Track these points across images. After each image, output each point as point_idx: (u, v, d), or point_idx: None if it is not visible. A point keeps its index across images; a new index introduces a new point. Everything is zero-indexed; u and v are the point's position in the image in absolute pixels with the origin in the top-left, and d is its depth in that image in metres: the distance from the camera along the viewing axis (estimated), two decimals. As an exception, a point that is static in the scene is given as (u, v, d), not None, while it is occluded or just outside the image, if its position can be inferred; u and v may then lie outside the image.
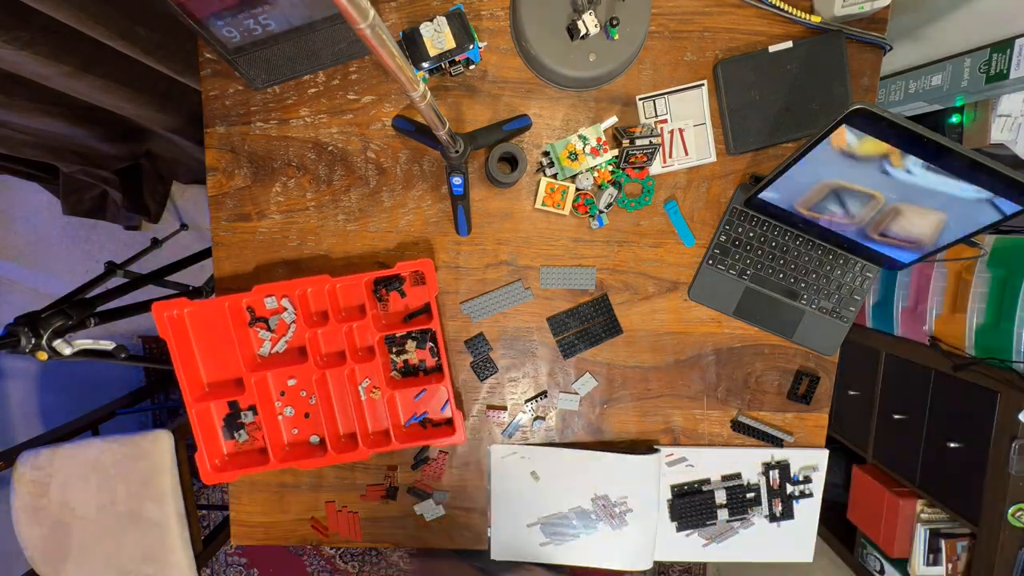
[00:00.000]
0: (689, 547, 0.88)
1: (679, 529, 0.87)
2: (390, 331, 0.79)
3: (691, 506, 0.86)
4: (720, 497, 0.86)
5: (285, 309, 0.81)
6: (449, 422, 0.82)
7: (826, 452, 0.87)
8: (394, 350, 0.83)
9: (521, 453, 0.85)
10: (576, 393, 0.85)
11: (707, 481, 0.86)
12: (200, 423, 0.79)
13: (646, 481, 0.84)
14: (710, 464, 0.86)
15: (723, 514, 0.86)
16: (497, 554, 0.86)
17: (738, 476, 0.86)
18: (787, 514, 0.86)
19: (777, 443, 0.86)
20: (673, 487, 0.86)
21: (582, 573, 0.95)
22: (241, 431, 0.83)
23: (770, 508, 0.86)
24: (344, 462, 0.81)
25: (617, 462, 0.84)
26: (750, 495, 0.86)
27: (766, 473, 0.86)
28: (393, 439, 0.80)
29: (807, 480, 0.86)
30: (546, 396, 0.86)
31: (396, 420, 0.82)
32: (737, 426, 0.86)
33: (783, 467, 0.86)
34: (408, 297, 0.82)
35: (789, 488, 0.86)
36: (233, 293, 0.78)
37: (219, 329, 0.79)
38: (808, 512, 0.87)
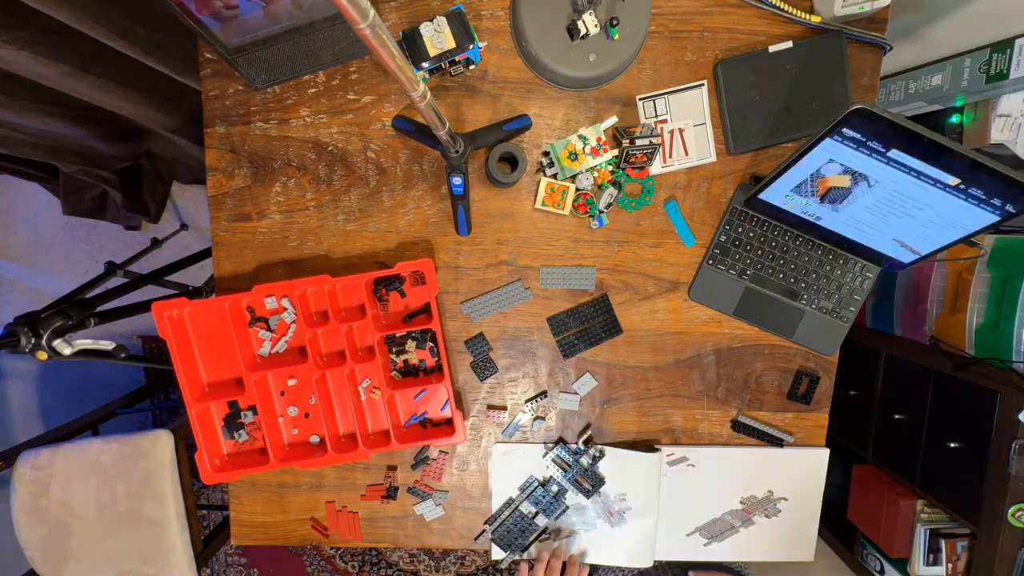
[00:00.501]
0: (690, 546, 0.88)
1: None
2: (390, 331, 0.79)
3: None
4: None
5: (285, 309, 0.81)
6: (449, 422, 0.82)
7: (826, 452, 0.87)
8: (394, 350, 0.83)
9: (522, 451, 0.85)
10: (576, 393, 0.85)
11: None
12: (200, 423, 0.79)
13: (647, 480, 0.84)
14: (711, 464, 0.86)
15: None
16: (498, 553, 0.86)
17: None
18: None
19: (777, 443, 0.86)
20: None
21: None
22: (241, 431, 0.83)
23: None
24: (344, 462, 0.81)
25: (617, 459, 0.83)
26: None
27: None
28: (393, 439, 0.80)
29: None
30: (546, 396, 0.86)
31: (396, 420, 0.82)
32: (737, 426, 0.86)
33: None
34: (408, 297, 0.82)
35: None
36: (233, 293, 0.78)
37: (219, 329, 0.79)
38: (808, 512, 0.87)
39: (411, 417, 0.84)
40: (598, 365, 0.86)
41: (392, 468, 0.87)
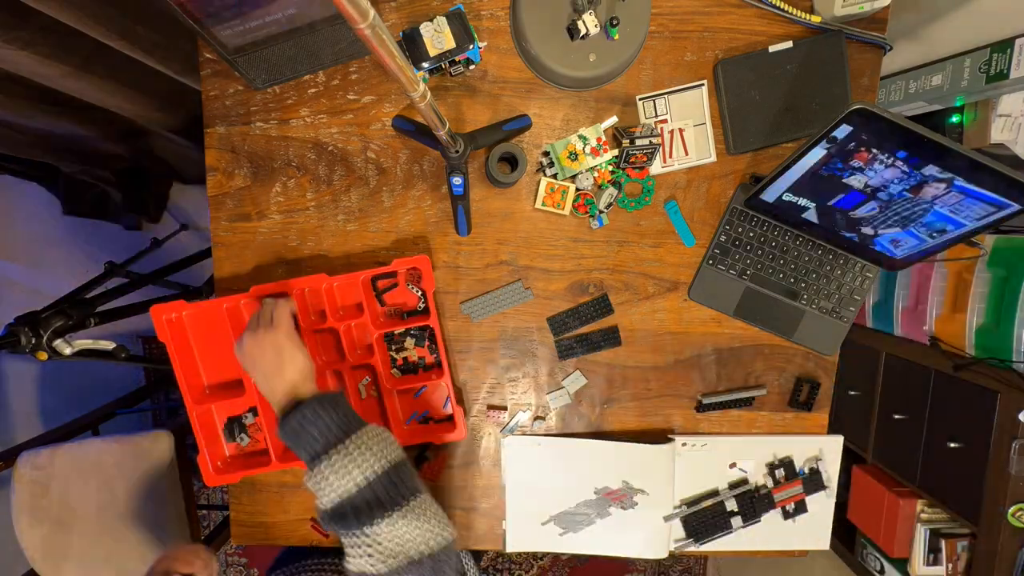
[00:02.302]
0: None
1: (698, 542, 0.86)
2: (388, 329, 0.79)
3: (704, 518, 0.85)
4: (731, 505, 0.85)
5: (285, 309, 0.81)
6: (450, 419, 0.82)
7: (839, 438, 0.86)
8: (393, 348, 0.83)
9: (535, 443, 0.84)
10: (563, 387, 0.85)
11: (715, 492, 0.86)
12: (201, 426, 0.79)
13: (662, 470, 0.83)
14: (723, 453, 0.86)
15: (737, 521, 0.85)
16: (513, 546, 0.86)
17: (744, 482, 0.86)
18: (801, 509, 0.86)
19: (747, 403, 0.85)
20: (684, 500, 0.86)
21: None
22: (242, 433, 0.83)
23: (783, 508, 0.86)
24: (344, 462, 0.80)
25: (632, 452, 0.83)
26: (761, 494, 0.86)
27: (771, 473, 0.86)
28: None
29: (814, 472, 0.86)
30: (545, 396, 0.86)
31: (396, 418, 0.82)
32: (703, 407, 0.85)
33: (787, 464, 0.86)
34: (406, 294, 0.82)
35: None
36: (233, 294, 0.78)
37: (218, 331, 0.79)
38: (824, 500, 0.87)
39: (411, 415, 0.84)
40: (598, 365, 0.86)
41: (392, 468, 0.87)
